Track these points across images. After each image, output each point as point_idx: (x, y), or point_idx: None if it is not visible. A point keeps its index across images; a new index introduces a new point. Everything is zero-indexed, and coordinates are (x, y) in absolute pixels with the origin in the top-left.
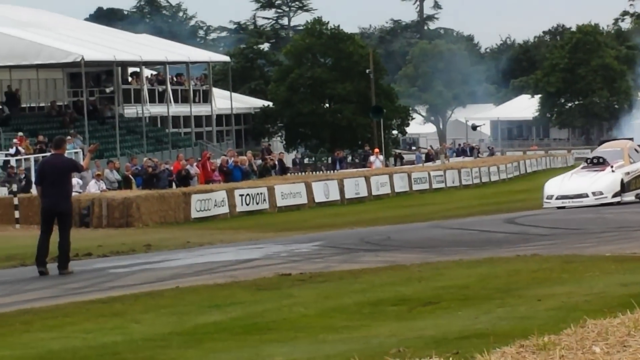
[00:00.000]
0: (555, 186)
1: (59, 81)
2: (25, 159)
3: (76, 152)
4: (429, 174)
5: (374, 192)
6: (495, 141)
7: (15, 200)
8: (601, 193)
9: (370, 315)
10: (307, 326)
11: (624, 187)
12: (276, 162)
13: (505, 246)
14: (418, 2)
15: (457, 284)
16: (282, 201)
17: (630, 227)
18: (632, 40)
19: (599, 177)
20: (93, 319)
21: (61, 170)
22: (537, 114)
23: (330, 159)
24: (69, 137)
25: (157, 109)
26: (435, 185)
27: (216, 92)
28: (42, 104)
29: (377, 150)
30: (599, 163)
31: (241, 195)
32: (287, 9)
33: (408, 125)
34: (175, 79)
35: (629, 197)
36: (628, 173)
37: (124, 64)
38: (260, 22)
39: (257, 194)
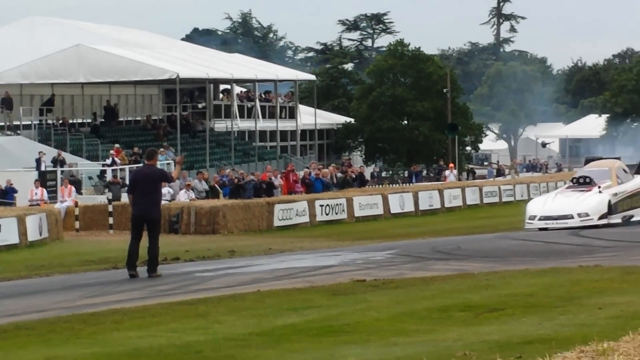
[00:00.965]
0: (538, 206)
1: (155, 97)
2: (120, 169)
3: (168, 163)
4: (499, 188)
5: (447, 205)
6: (563, 158)
7: (110, 208)
8: (587, 214)
9: (439, 320)
10: (379, 329)
11: (611, 209)
12: (356, 176)
13: (569, 257)
14: (495, 26)
15: (521, 292)
16: (359, 212)
17: None
18: None
19: (585, 198)
20: (178, 319)
21: (152, 180)
22: (604, 132)
23: (406, 172)
24: (162, 149)
25: (246, 124)
26: (504, 199)
27: (302, 108)
28: (138, 118)
29: (451, 165)
30: (585, 183)
31: (321, 206)
32: (371, 31)
33: (481, 142)
34: (263, 95)
35: (616, 219)
36: (616, 194)
37: (216, 82)
38: (345, 43)
39: (337, 204)
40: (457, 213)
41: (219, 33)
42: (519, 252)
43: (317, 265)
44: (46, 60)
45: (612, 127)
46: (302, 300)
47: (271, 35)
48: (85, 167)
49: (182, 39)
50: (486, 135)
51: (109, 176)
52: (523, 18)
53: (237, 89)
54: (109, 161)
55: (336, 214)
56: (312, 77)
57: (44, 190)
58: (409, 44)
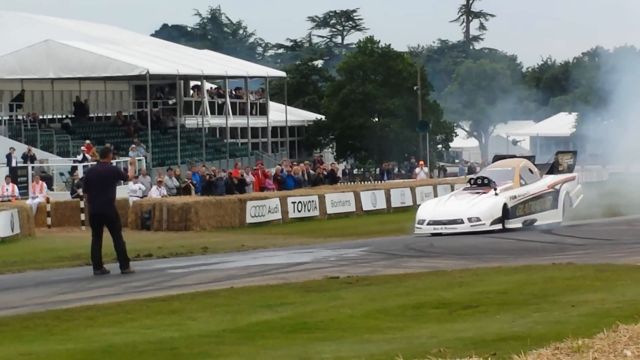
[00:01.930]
0: (428, 210)
1: (125, 93)
2: (91, 165)
3: (139, 160)
4: None
5: (419, 202)
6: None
7: (82, 204)
8: (478, 219)
9: (413, 317)
10: (353, 326)
11: (508, 213)
12: (328, 173)
13: (541, 254)
14: (464, 24)
15: (495, 289)
16: (332, 209)
17: None
18: None
19: (479, 201)
20: (152, 315)
21: (106, 178)
22: (574, 130)
23: (378, 170)
24: (133, 146)
25: (217, 121)
26: None
27: (272, 105)
28: (108, 114)
29: (422, 162)
30: (483, 184)
31: (293, 203)
32: (341, 28)
33: (452, 140)
34: (234, 92)
35: (515, 224)
36: (514, 197)
37: (186, 78)
38: (315, 40)
39: (309, 201)
40: None
41: (189, 29)
42: (491, 250)
43: (291, 262)
44: (15, 55)
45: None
46: (275, 297)
47: (241, 31)
48: (56, 163)
49: (152, 35)
50: (457, 135)
51: (79, 172)
52: (492, 16)
53: (208, 86)
54: (79, 157)
55: (308, 211)
56: (283, 73)
57: (15, 186)
58: (379, 41)
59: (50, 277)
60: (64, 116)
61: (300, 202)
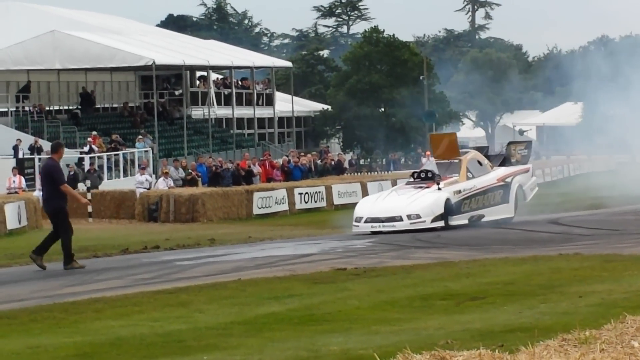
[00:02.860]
0: (366, 206)
1: (131, 83)
2: (98, 157)
3: (146, 151)
4: None
5: None
6: (541, 145)
7: (89, 196)
8: (418, 216)
9: (420, 308)
10: (360, 318)
11: (452, 209)
12: (335, 163)
13: (548, 245)
14: (470, 13)
15: (502, 280)
16: (338, 199)
17: None
18: None
19: (419, 197)
20: (160, 308)
21: (45, 174)
22: (580, 120)
23: (384, 160)
24: (140, 137)
25: (223, 111)
26: None
27: (278, 95)
28: (115, 105)
29: (428, 152)
30: (427, 178)
31: (300, 194)
32: (347, 18)
33: (459, 129)
34: (240, 82)
35: (460, 220)
36: (459, 191)
37: (193, 68)
38: (321, 30)
39: (316, 192)
40: None
41: (194, 19)
42: (498, 240)
43: (298, 253)
44: (21, 46)
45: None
46: (283, 288)
47: (246, 21)
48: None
49: (157, 25)
50: (463, 124)
51: (86, 164)
52: (498, 5)
53: (214, 76)
54: (86, 149)
55: (315, 202)
56: (289, 64)
57: (22, 178)
58: (384, 30)
59: (57, 269)
60: (70, 107)
61: (307, 193)
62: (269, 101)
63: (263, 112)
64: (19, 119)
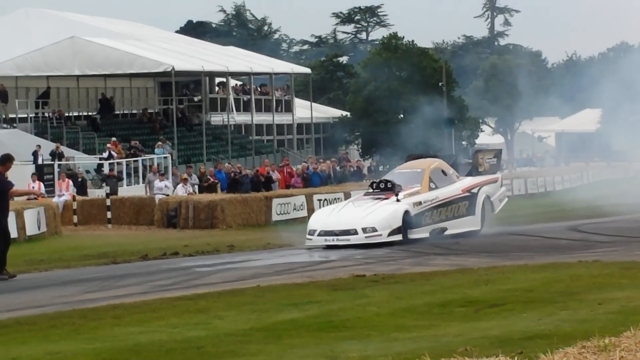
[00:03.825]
0: (320, 219)
1: (151, 90)
2: (117, 163)
3: (165, 157)
4: None
5: None
6: (560, 152)
7: (108, 202)
8: (374, 229)
9: (439, 315)
10: (379, 325)
11: (411, 222)
12: (354, 170)
13: (567, 252)
14: (489, 20)
15: (521, 287)
16: None
17: None
18: None
19: (376, 209)
20: (179, 314)
21: None
22: (599, 126)
23: None
24: (159, 143)
25: (242, 117)
26: None
27: (297, 102)
28: (134, 111)
29: None
30: (386, 188)
31: (319, 200)
32: (366, 24)
33: (477, 136)
34: (259, 89)
35: (420, 233)
36: (420, 203)
37: (212, 74)
38: (339, 36)
39: (335, 198)
40: None
41: (213, 26)
42: (517, 247)
43: (317, 260)
44: (41, 52)
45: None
46: (302, 295)
47: (265, 27)
48: (82, 160)
49: (177, 32)
50: (482, 131)
51: (106, 170)
52: (517, 11)
53: (233, 82)
54: (106, 154)
55: None
56: (308, 70)
57: (41, 184)
58: (403, 37)
59: (76, 275)
60: (89, 113)
61: (325, 199)
62: (288, 107)
63: (282, 118)
64: (39, 125)
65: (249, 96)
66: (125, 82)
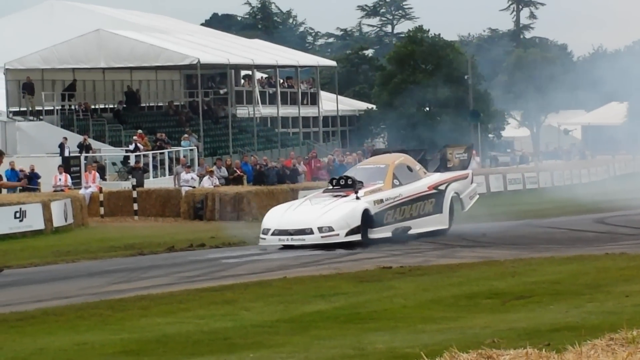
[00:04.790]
0: (275, 217)
1: (176, 82)
2: (144, 155)
3: (191, 149)
4: (523, 175)
5: None
6: (586, 145)
7: (134, 194)
8: (330, 229)
9: (466, 307)
10: (406, 316)
11: (371, 220)
12: None
13: (594, 244)
14: (515, 13)
15: (548, 280)
16: None
17: None
18: None
19: (333, 207)
20: (206, 305)
21: None
22: (626, 119)
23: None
24: (185, 135)
25: (268, 110)
26: (528, 186)
27: (323, 94)
28: (160, 104)
29: (473, 152)
30: (346, 185)
31: None
32: (391, 17)
33: (503, 129)
34: (284, 81)
35: (381, 233)
36: (381, 201)
37: (237, 67)
38: (365, 29)
39: None
40: (481, 200)
41: (239, 18)
42: (544, 240)
43: (343, 252)
44: (67, 45)
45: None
46: (328, 287)
47: (291, 20)
48: (108, 152)
49: (202, 24)
50: (508, 124)
51: (132, 162)
52: (542, 4)
53: (258, 75)
54: (132, 147)
55: None
56: (333, 63)
57: (68, 176)
58: (429, 30)
59: (103, 266)
60: (115, 106)
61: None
62: (314, 100)
63: (308, 111)
64: (65, 118)
65: (274, 89)
66: (151, 74)
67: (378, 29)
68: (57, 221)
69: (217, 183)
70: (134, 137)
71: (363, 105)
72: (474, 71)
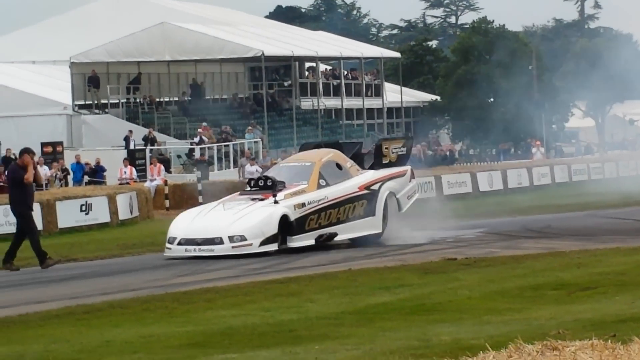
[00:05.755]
0: (182, 224)
1: (241, 75)
2: (208, 148)
3: (256, 142)
4: (588, 166)
5: (535, 183)
6: None
7: (199, 186)
8: (242, 238)
9: (531, 298)
10: (471, 308)
11: (292, 227)
12: (447, 153)
13: None
14: (579, 3)
15: (614, 270)
16: (448, 190)
17: None
18: None
19: (247, 213)
20: (271, 298)
21: (10, 179)
22: None
23: (494, 150)
24: (249, 128)
25: (332, 102)
26: (593, 177)
27: (387, 86)
28: (224, 96)
29: (538, 142)
30: (265, 187)
31: None
32: (455, 8)
33: (568, 119)
34: (349, 73)
35: (303, 241)
36: (303, 205)
37: (301, 59)
38: (429, 20)
39: (425, 182)
40: (546, 191)
41: (303, 10)
42: (609, 230)
43: (408, 243)
44: (131, 38)
45: None
46: (393, 278)
47: (354, 12)
48: (173, 145)
49: (266, 17)
50: (573, 115)
51: (197, 154)
52: None
53: (322, 67)
54: (196, 139)
55: (425, 192)
56: (397, 54)
57: (133, 169)
58: (493, 20)
59: (160, 259)
60: (180, 98)
61: (416, 183)
62: (378, 92)
63: (372, 102)
64: (130, 110)
65: (338, 81)
66: (216, 67)
67: (442, 20)
68: (123, 214)
69: None
70: (199, 130)
71: (427, 97)
72: (538, 62)
